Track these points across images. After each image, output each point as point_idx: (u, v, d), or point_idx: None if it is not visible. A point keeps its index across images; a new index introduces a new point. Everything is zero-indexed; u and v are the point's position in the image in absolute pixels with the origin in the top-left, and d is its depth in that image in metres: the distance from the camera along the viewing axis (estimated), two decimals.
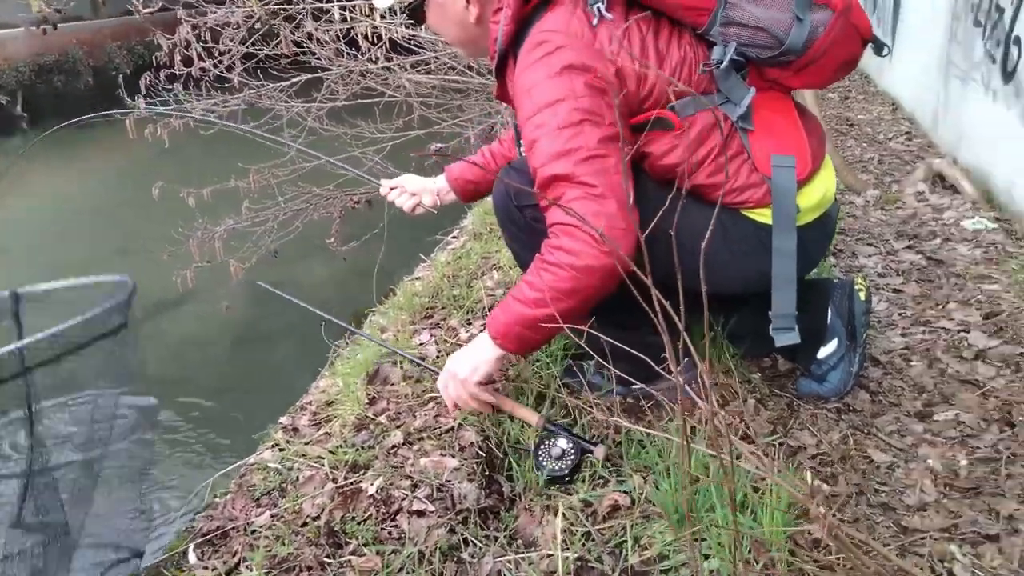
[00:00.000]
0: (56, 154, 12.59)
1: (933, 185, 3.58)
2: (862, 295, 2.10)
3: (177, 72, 5.43)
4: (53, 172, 11.45)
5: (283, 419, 1.95)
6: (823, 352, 2.07)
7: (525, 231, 1.81)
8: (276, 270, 5.28)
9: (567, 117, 1.60)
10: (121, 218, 8.19)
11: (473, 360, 1.74)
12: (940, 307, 2.48)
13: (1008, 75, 3.25)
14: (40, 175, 11.19)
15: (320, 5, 5.57)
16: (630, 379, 2.02)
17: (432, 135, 5.77)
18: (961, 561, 1.46)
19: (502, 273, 2.62)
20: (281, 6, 5.45)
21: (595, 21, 1.66)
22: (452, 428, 1.78)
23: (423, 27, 1.93)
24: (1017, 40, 3.16)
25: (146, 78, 5.21)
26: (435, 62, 6.16)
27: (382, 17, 5.48)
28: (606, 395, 2.04)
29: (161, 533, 2.08)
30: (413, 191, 2.30)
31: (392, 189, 2.34)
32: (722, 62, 1.70)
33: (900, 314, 2.49)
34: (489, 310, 2.34)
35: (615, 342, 2.00)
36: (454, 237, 3.35)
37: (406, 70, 6.04)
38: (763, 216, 1.78)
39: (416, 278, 2.81)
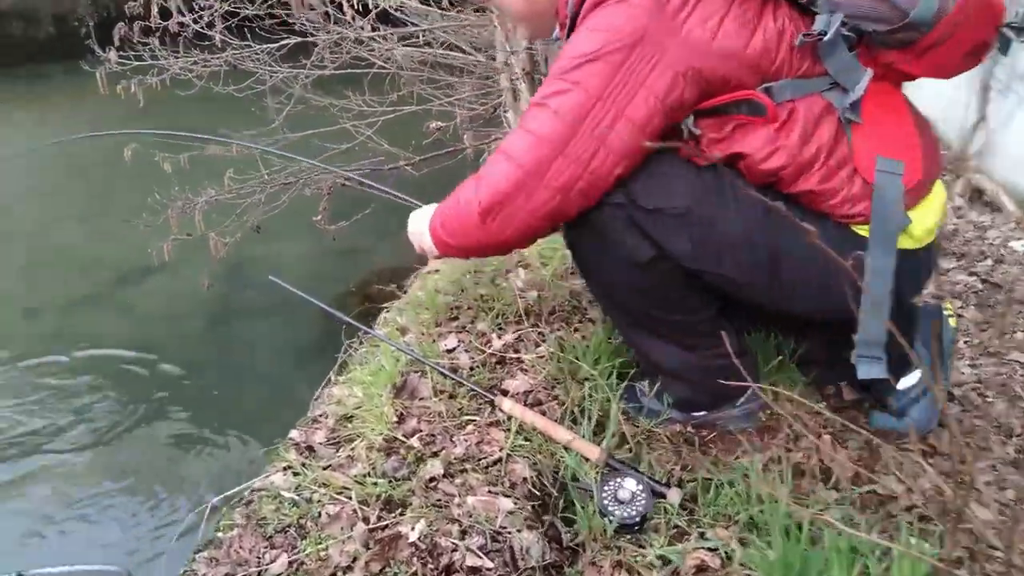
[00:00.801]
0: (16, 103, 11.92)
1: (971, 201, 3.40)
2: (952, 321, 1.88)
3: (153, 25, 5.01)
4: (14, 123, 10.81)
5: (294, 434, 1.66)
6: (905, 383, 1.84)
7: (603, 236, 1.53)
8: (258, 245, 4.93)
9: (576, 72, 1.39)
10: (89, 178, 7.70)
11: (420, 238, 1.68)
12: (1008, 336, 2.28)
13: None
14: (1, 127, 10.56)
15: None
16: (692, 404, 1.79)
17: (427, 113, 5.44)
18: None
19: (531, 272, 2.35)
20: None
21: None
22: (500, 460, 1.51)
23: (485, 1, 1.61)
24: None
25: (120, 29, 4.78)
26: (425, 35, 5.85)
27: None
28: (663, 423, 1.79)
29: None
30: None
31: None
32: (826, 33, 1.43)
33: (965, 342, 2.28)
34: (524, 314, 2.08)
35: (674, 363, 1.79)
36: None
37: (397, 41, 5.71)
38: (866, 231, 1.53)
39: (434, 271, 2.52)
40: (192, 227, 4.26)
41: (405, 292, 2.53)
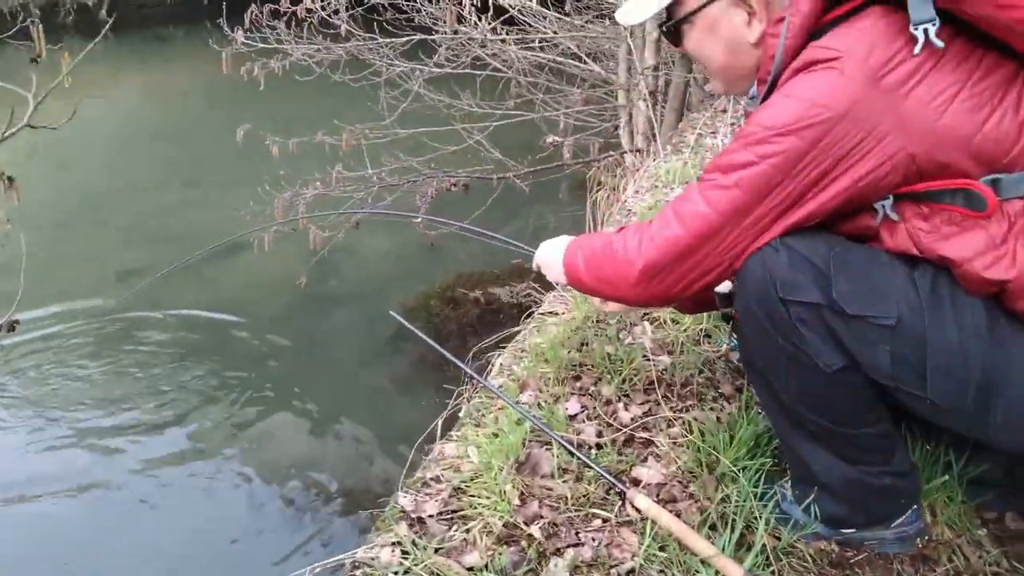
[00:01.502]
0: (133, 66, 12.37)
1: None
2: None
3: (282, 9, 5.02)
4: (126, 84, 11.21)
5: (404, 501, 1.53)
6: None
7: (784, 335, 1.33)
8: (351, 237, 4.88)
9: (766, 146, 1.25)
10: (192, 147, 7.89)
11: (549, 266, 1.69)
12: None
13: None
14: (113, 85, 10.94)
15: None
16: (843, 522, 1.58)
17: (541, 123, 5.29)
18: None
19: (661, 329, 2.16)
20: None
21: (918, 48, 1.19)
22: (633, 570, 1.34)
23: (677, 47, 1.43)
24: None
25: (251, 13, 4.79)
26: (543, 40, 5.70)
27: None
28: (807, 536, 1.58)
29: None
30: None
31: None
32: None
33: None
34: (655, 384, 1.90)
35: (834, 475, 1.59)
36: None
37: (517, 44, 5.58)
38: None
39: (550, 312, 2.36)
40: (296, 221, 4.22)
41: (515, 331, 2.38)
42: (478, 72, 5.42)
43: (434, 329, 4.58)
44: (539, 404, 1.82)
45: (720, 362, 2.07)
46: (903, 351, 1.26)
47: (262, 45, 4.94)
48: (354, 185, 4.48)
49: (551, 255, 1.68)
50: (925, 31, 1.17)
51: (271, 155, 4.84)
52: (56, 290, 4.90)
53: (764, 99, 1.36)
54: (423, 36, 4.90)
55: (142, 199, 6.64)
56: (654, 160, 4.01)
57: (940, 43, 1.17)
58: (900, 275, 1.26)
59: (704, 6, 1.40)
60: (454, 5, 5.15)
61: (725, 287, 1.42)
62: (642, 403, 1.84)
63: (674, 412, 1.81)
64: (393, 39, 4.95)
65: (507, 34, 5.42)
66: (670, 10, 1.45)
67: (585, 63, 5.74)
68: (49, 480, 3.24)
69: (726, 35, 1.41)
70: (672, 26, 1.46)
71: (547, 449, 1.64)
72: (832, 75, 1.21)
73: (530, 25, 5.52)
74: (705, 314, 2.20)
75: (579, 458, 1.58)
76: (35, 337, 4.37)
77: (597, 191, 5.38)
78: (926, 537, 1.64)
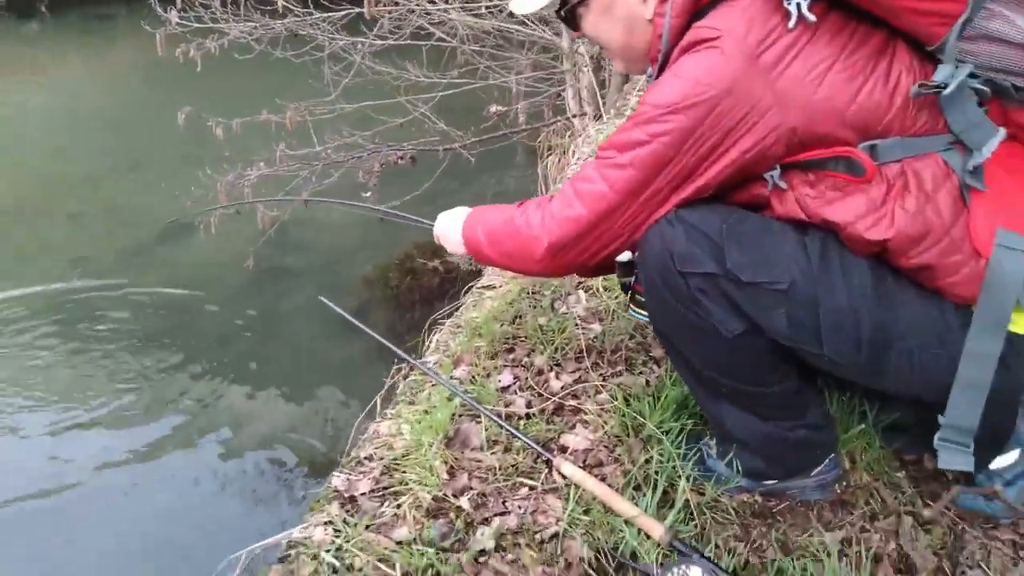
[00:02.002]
0: (72, 46, 11.99)
1: None
2: None
3: None
4: (67, 65, 10.89)
5: (337, 481, 1.57)
6: (1000, 462, 1.66)
7: (686, 305, 1.38)
8: (304, 212, 4.85)
9: (656, 125, 1.31)
10: (135, 130, 7.72)
11: (447, 238, 1.72)
12: None
13: None
14: (54, 67, 10.62)
15: None
16: (764, 475, 1.66)
17: (486, 92, 5.27)
18: None
19: (594, 297, 2.21)
20: None
21: (791, 22, 1.24)
22: (556, 535, 1.40)
23: (576, 32, 1.45)
24: None
25: None
26: (490, 6, 5.64)
27: None
28: (731, 489, 1.65)
29: None
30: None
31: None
32: (946, 86, 1.24)
33: None
34: (584, 352, 1.95)
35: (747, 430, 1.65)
36: None
37: (461, 12, 5.52)
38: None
39: (489, 286, 2.40)
40: (241, 200, 4.19)
41: (458, 307, 2.41)
42: (422, 43, 5.37)
43: (394, 301, 4.61)
44: (472, 378, 1.86)
45: (651, 327, 2.12)
46: (798, 313, 1.31)
47: (197, 25, 4.83)
48: (299, 163, 4.45)
49: (449, 227, 1.72)
50: (798, 6, 1.21)
51: (216, 136, 4.78)
52: (9, 277, 4.83)
53: (657, 77, 1.40)
54: (361, 9, 4.82)
55: (88, 184, 6.50)
56: (595, 124, 4.03)
57: (812, 17, 1.22)
58: (791, 242, 1.32)
59: None
60: None
61: (624, 256, 1.49)
62: (573, 371, 1.89)
63: (603, 379, 1.86)
64: (331, 13, 4.87)
65: (450, 2, 5.36)
66: None
67: (531, 26, 5.70)
68: (10, 467, 3.24)
69: (622, 15, 1.44)
70: (568, 11, 1.48)
71: (477, 422, 1.69)
72: (714, 54, 1.25)
73: None
74: None
75: (507, 429, 1.62)
76: None
77: (548, 156, 5.40)
78: (844, 483, 1.72)
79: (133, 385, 3.76)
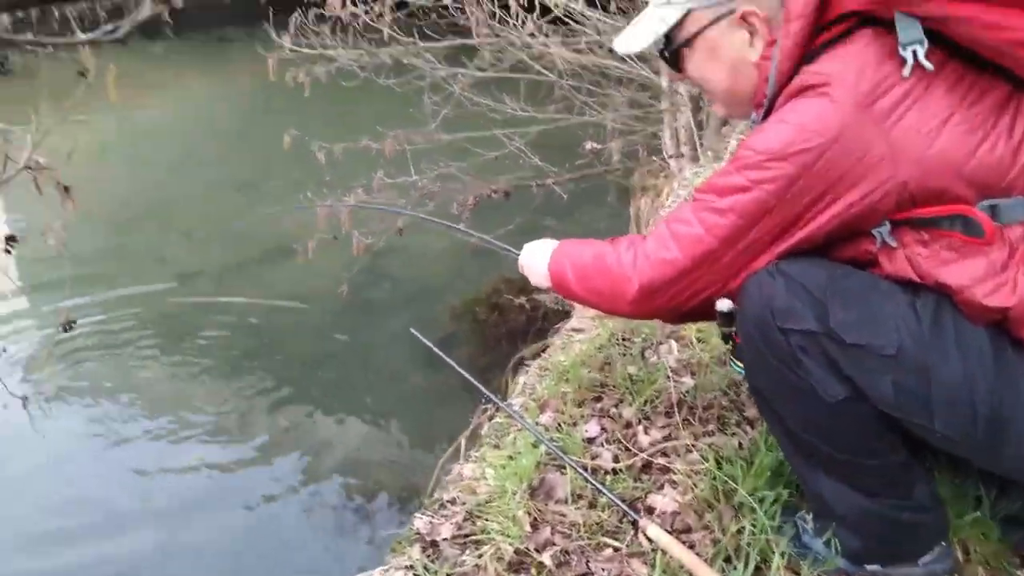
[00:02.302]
0: (193, 67, 12.69)
1: None
2: None
3: (327, 13, 5.10)
4: (187, 85, 11.51)
5: (420, 523, 1.55)
6: None
7: (785, 363, 1.31)
8: (397, 239, 4.93)
9: (759, 171, 1.26)
10: (247, 149, 8.08)
11: (532, 270, 1.69)
12: None
13: None
14: (175, 86, 11.25)
15: None
16: (865, 557, 1.55)
17: (583, 128, 5.27)
18: None
19: (687, 348, 2.15)
20: None
21: (906, 70, 1.17)
22: None
23: (679, 73, 1.42)
24: None
25: (296, 19, 4.88)
26: (589, 42, 5.66)
27: None
28: (829, 572, 1.55)
29: None
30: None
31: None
32: None
33: None
34: (675, 407, 1.89)
35: (854, 508, 1.55)
36: None
37: (561, 47, 5.56)
38: None
39: (578, 329, 2.36)
40: (337, 228, 4.31)
41: (544, 347, 2.39)
42: (520, 75, 5.43)
43: (480, 336, 4.63)
44: (558, 426, 1.83)
45: (745, 384, 2.04)
46: (907, 381, 1.23)
47: (308, 51, 5.03)
48: (395, 192, 4.54)
49: (535, 258, 1.69)
50: (914, 52, 1.15)
51: (318, 159, 4.94)
52: (120, 285, 5.10)
53: (762, 122, 1.35)
54: (465, 40, 4.91)
55: (202, 200, 6.84)
56: (692, 166, 3.97)
57: (929, 65, 1.15)
58: (901, 303, 1.24)
59: (704, 29, 1.39)
60: (499, 8, 5.17)
61: (725, 305, 1.42)
62: (663, 426, 1.84)
63: (694, 437, 1.79)
64: (434, 43, 4.98)
65: (551, 36, 5.41)
66: (669, 36, 1.44)
67: (631, 63, 5.69)
68: (104, 478, 3.38)
69: (728, 57, 1.40)
70: (672, 52, 1.45)
71: (563, 473, 1.65)
72: (822, 101, 1.20)
73: (576, 23, 5.50)
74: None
75: (593, 485, 1.58)
76: (95, 331, 4.55)
77: (641, 196, 5.34)
78: None
79: (225, 401, 3.89)
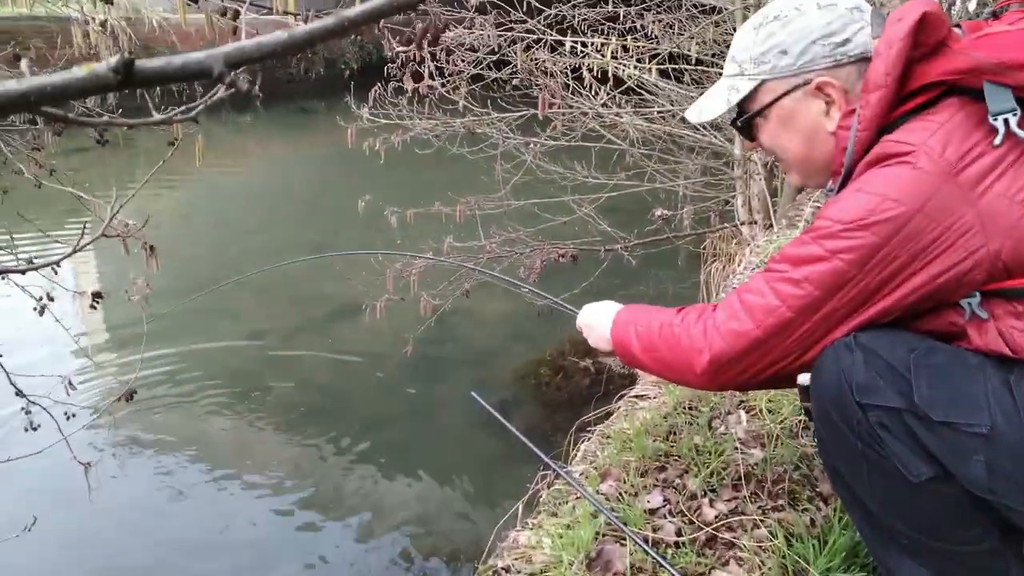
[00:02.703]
0: (277, 136, 13.36)
1: None
2: None
3: (405, 87, 5.29)
4: (270, 153, 12.11)
5: None
6: None
7: (865, 441, 1.24)
8: (461, 305, 4.98)
9: (837, 241, 1.21)
10: (323, 213, 8.36)
11: (593, 331, 1.66)
12: None
13: None
14: (259, 154, 11.84)
15: (556, 37, 5.26)
16: None
17: (653, 194, 5.28)
18: None
19: (756, 419, 2.06)
20: (518, 31, 5.19)
21: (998, 139, 1.13)
22: None
23: (752, 142, 1.40)
24: None
25: (375, 90, 5.09)
26: (661, 111, 5.70)
27: (613, 56, 5.10)
28: None
29: None
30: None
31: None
32: None
33: None
34: (743, 480, 1.81)
35: None
36: None
37: (632, 116, 5.62)
38: None
39: (642, 395, 2.31)
40: (406, 290, 4.38)
41: (608, 414, 2.34)
42: (592, 144, 5.49)
43: (542, 399, 4.58)
44: (619, 495, 1.77)
45: (819, 458, 1.94)
46: (1001, 463, 1.15)
47: (385, 121, 5.21)
48: (464, 254, 4.60)
49: (597, 320, 1.66)
50: (1006, 122, 1.12)
51: (390, 224, 5.06)
52: (194, 339, 5.27)
53: (839, 192, 1.31)
54: (535, 111, 5.01)
55: (276, 260, 7.07)
56: (765, 234, 3.89)
57: (1023, 133, 1.11)
58: (992, 379, 1.17)
59: (778, 99, 1.38)
60: (573, 79, 5.28)
61: (806, 379, 1.35)
62: (729, 500, 1.76)
63: (762, 512, 1.71)
64: (507, 114, 5.10)
65: (623, 106, 5.48)
66: (742, 105, 1.43)
67: (703, 131, 5.70)
68: (165, 532, 3.42)
69: (803, 126, 1.38)
70: (745, 121, 1.44)
71: (622, 545, 1.59)
72: (905, 170, 1.17)
73: (649, 94, 5.56)
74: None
75: (654, 557, 1.51)
76: (165, 383, 4.69)
77: (712, 262, 5.27)
78: None
79: (284, 453, 3.94)
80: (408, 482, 3.72)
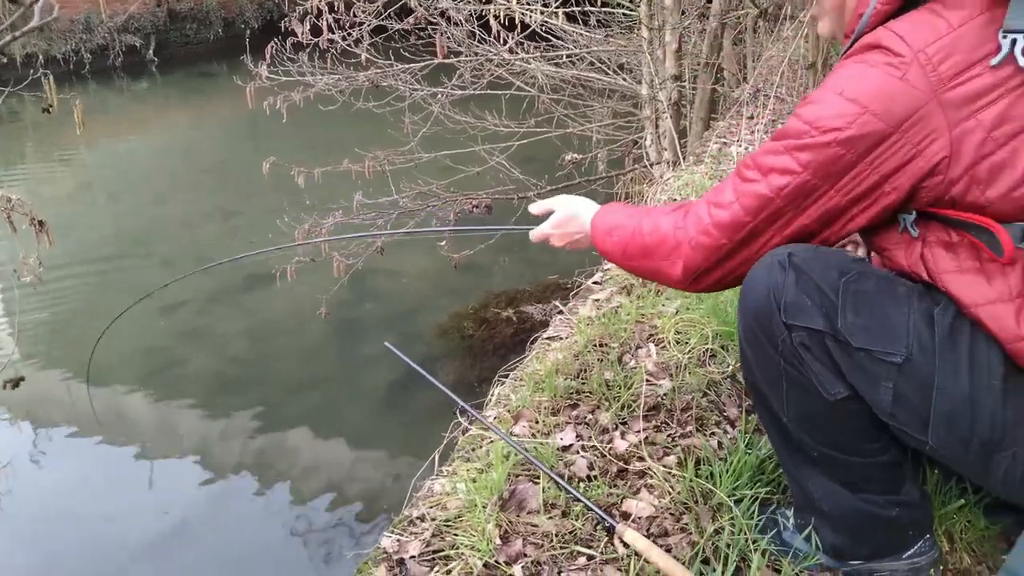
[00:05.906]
0: (176, 102, 12.77)
1: None
2: None
3: (304, 41, 5.10)
4: (171, 120, 11.59)
5: (387, 542, 1.50)
6: None
7: (786, 358, 1.26)
8: (379, 259, 4.92)
9: (804, 154, 1.18)
10: (228, 179, 8.09)
11: (573, 239, 1.64)
12: None
13: None
14: (159, 121, 11.31)
15: None
16: (848, 553, 1.50)
17: (564, 140, 5.27)
18: None
19: (665, 351, 2.10)
20: None
21: (997, 58, 1.07)
22: None
23: None
24: None
25: (272, 46, 4.89)
26: (570, 55, 5.67)
27: (519, 1, 5.02)
28: (811, 567, 1.50)
29: None
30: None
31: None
32: None
33: None
34: (653, 408, 1.84)
35: (834, 502, 1.50)
36: (596, 283, 2.81)
37: (541, 61, 5.57)
38: None
39: (554, 337, 2.32)
40: (317, 251, 4.28)
41: (523, 355, 2.34)
42: (501, 92, 5.43)
43: (466, 351, 4.58)
44: (532, 435, 1.78)
45: (726, 383, 2.00)
46: (907, 392, 1.17)
47: (286, 78, 5.03)
48: (375, 212, 4.52)
49: (579, 214, 1.62)
50: (1013, 42, 1.05)
51: (298, 184, 4.92)
52: (101, 317, 5.05)
53: (844, 56, 1.25)
54: (441, 60, 4.91)
55: (184, 230, 6.82)
56: (673, 170, 3.94)
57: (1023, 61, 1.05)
58: (916, 311, 1.17)
59: None
60: (478, 26, 5.18)
61: None
62: (639, 431, 1.78)
63: (671, 439, 1.75)
64: (411, 64, 4.98)
65: (530, 52, 5.42)
66: None
67: (610, 75, 5.69)
68: (89, 509, 3.33)
69: None
70: None
71: (535, 483, 1.60)
72: (893, 79, 1.11)
73: (556, 38, 5.51)
74: (709, 333, 2.14)
75: (566, 490, 1.53)
76: (76, 364, 4.51)
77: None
78: (942, 567, 1.55)
79: (205, 427, 3.85)
80: (332, 443, 3.70)
